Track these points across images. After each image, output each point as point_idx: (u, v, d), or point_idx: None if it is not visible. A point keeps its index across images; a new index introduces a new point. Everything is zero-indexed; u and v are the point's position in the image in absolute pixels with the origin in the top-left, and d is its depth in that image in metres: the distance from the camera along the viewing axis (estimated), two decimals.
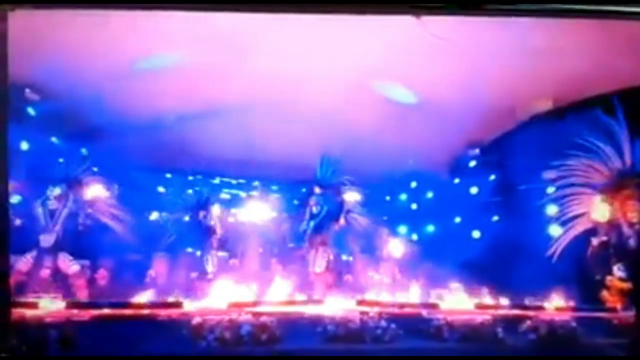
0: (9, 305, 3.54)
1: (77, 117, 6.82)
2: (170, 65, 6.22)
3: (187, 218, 7.66)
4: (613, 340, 5.12)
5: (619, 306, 6.01)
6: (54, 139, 7.26)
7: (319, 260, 6.78)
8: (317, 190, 7.16)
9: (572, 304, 5.95)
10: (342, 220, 7.03)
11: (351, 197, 7.30)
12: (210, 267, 7.07)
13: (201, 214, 7.41)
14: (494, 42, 5.68)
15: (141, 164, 7.95)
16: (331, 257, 6.85)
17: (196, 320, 4.80)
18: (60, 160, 6.80)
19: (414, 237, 8.27)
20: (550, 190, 7.17)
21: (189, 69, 6.34)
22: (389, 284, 6.77)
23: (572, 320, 5.23)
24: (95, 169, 7.58)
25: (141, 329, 4.80)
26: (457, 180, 8.61)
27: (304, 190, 7.39)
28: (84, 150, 7.15)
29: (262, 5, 3.96)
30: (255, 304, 5.52)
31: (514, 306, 5.78)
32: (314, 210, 7.04)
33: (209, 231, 7.32)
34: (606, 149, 6.76)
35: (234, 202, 8.65)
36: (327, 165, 7.26)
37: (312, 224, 6.99)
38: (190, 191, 8.24)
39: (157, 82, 6.45)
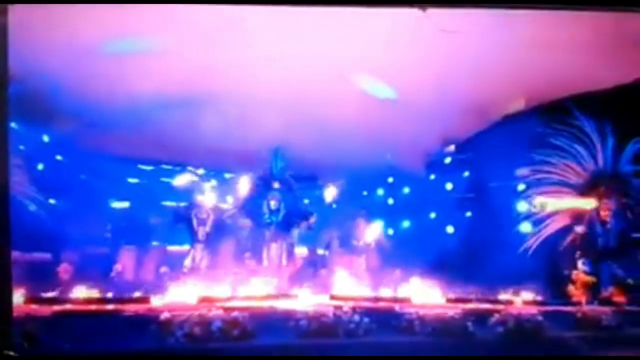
0: (10, 304, 3.39)
1: (41, 102, 6.45)
2: (140, 50, 5.96)
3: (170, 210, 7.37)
4: (576, 333, 5.31)
5: (583, 300, 6.25)
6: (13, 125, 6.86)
7: (284, 254, 6.74)
8: (275, 185, 7.03)
9: (539, 298, 6.12)
10: (312, 219, 6.98)
11: (330, 193, 7.27)
12: (189, 261, 6.82)
13: (183, 204, 7.12)
14: (474, 40, 5.71)
15: (110, 152, 7.66)
16: (297, 250, 6.78)
17: (164, 315, 4.65)
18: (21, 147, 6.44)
19: (390, 231, 8.35)
20: (522, 187, 7.41)
21: (160, 55, 6.09)
22: (363, 278, 6.78)
23: (539, 314, 5.38)
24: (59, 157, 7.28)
25: (106, 325, 4.63)
26: (432, 177, 8.79)
27: (259, 184, 7.21)
28: (45, 138, 6.83)
29: None
30: (226, 299, 5.40)
31: (483, 300, 5.89)
32: (272, 205, 6.91)
33: (196, 224, 7.02)
34: (580, 149, 7.06)
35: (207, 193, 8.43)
36: (281, 159, 7.13)
37: (274, 218, 6.88)
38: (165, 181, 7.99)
39: (125, 67, 6.17)
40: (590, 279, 6.49)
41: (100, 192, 7.68)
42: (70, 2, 4.95)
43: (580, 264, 6.63)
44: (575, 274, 6.54)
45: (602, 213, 6.82)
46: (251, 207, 7.05)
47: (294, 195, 7.08)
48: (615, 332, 5.51)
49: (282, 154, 7.11)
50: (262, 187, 7.09)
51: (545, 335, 5.19)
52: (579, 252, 6.68)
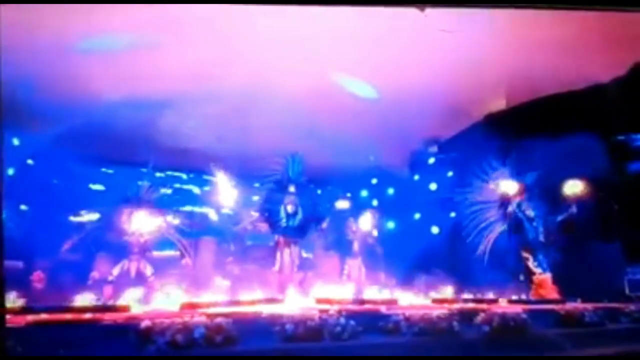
0: (3, 308, 3.24)
1: (10, 103, 6.14)
2: (118, 47, 5.77)
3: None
4: (559, 330, 5.39)
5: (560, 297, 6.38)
6: None
7: (292, 259, 6.66)
8: (291, 189, 6.94)
9: (523, 296, 6.19)
10: (324, 223, 6.96)
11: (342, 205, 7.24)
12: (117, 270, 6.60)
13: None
14: (455, 41, 5.75)
15: (85, 156, 7.41)
16: (302, 256, 6.76)
17: (145, 323, 4.49)
18: None
19: (375, 233, 8.35)
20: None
21: (137, 53, 5.91)
22: (348, 280, 6.74)
23: (523, 313, 5.42)
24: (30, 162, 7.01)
25: (84, 335, 4.43)
26: (416, 177, 8.85)
27: (272, 186, 7.09)
28: (15, 141, 6.56)
29: None
30: (209, 304, 5.27)
31: (469, 300, 5.92)
32: (289, 209, 6.83)
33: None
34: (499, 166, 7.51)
35: (184, 197, 8.30)
36: (298, 163, 7.03)
37: (290, 222, 6.79)
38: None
39: (101, 66, 5.96)
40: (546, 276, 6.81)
41: (74, 197, 7.42)
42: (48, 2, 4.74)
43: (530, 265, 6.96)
44: (534, 278, 6.83)
45: (528, 212, 7.25)
46: (269, 211, 6.94)
47: (310, 199, 7.04)
48: (597, 328, 5.62)
49: (299, 159, 7.01)
50: (278, 191, 7.00)
51: (530, 333, 5.24)
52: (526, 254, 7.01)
